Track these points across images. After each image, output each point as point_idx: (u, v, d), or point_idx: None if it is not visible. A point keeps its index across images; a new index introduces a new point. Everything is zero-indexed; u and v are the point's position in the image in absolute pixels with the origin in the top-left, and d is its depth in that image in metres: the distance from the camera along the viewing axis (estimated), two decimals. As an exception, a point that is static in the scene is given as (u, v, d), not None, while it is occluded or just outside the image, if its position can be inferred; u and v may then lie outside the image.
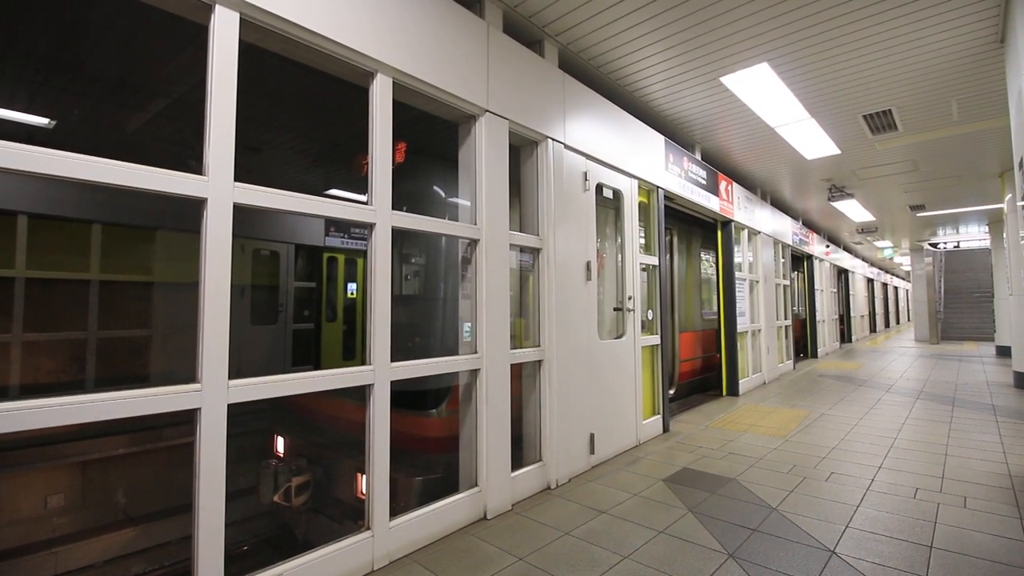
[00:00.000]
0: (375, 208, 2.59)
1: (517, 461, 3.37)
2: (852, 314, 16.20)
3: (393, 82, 2.70)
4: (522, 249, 3.69)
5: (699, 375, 7.22)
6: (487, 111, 3.19)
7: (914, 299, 16.26)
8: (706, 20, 3.67)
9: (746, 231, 7.70)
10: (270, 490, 3.85)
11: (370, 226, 2.59)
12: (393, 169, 2.68)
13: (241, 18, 2.13)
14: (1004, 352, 10.50)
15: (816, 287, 11.86)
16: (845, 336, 15.45)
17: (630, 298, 4.53)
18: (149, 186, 1.88)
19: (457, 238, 3.27)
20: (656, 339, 4.94)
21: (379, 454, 2.52)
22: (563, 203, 3.76)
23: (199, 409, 1.93)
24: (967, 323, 16.90)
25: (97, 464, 5.10)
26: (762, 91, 4.80)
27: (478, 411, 3.10)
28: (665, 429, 4.97)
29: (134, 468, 5.29)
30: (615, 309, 4.59)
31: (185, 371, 2.03)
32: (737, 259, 7.21)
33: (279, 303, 7.72)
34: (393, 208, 2.66)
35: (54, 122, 4.69)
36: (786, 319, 9.54)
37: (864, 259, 19.49)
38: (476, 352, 3.12)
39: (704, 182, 6.13)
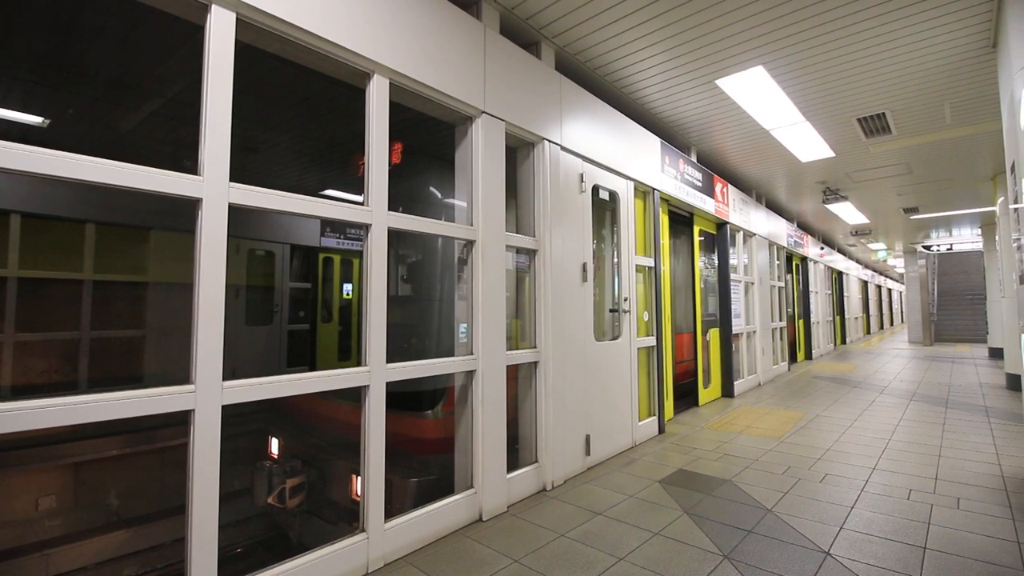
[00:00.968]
0: (371, 209, 2.59)
1: (513, 463, 3.37)
2: (847, 316, 16.28)
3: (390, 83, 2.70)
4: (518, 250, 3.69)
5: (692, 377, 7.23)
6: (484, 112, 3.19)
7: (908, 301, 16.36)
8: (702, 23, 3.68)
9: (741, 233, 7.74)
10: (264, 492, 3.84)
11: (366, 227, 2.59)
12: (389, 170, 2.68)
13: (237, 18, 2.12)
14: (996, 354, 10.57)
15: (811, 289, 11.92)
16: (840, 338, 15.53)
17: (626, 299, 4.53)
18: (144, 186, 1.87)
19: (453, 239, 3.27)
20: (652, 340, 4.95)
21: (374, 456, 2.51)
22: (559, 204, 3.77)
23: (193, 411, 1.91)
24: (960, 325, 17.02)
25: (89, 466, 5.06)
26: (757, 94, 4.82)
27: (474, 412, 3.10)
28: (661, 430, 4.98)
29: (126, 470, 5.25)
30: (611, 310, 4.59)
31: (179, 372, 2.02)
32: (732, 261, 7.23)
33: (274, 304, 7.70)
34: (389, 209, 2.66)
35: (48, 121, 4.66)
36: (781, 321, 9.58)
37: (858, 261, 19.60)
38: (472, 353, 3.12)
39: (700, 184, 6.16)
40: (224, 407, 2.00)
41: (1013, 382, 7.28)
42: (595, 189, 4.29)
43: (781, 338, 9.51)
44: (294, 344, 7.81)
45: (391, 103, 2.71)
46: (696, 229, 6.39)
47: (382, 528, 2.53)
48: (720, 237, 7.05)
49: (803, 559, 2.50)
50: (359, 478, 2.55)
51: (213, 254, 2.00)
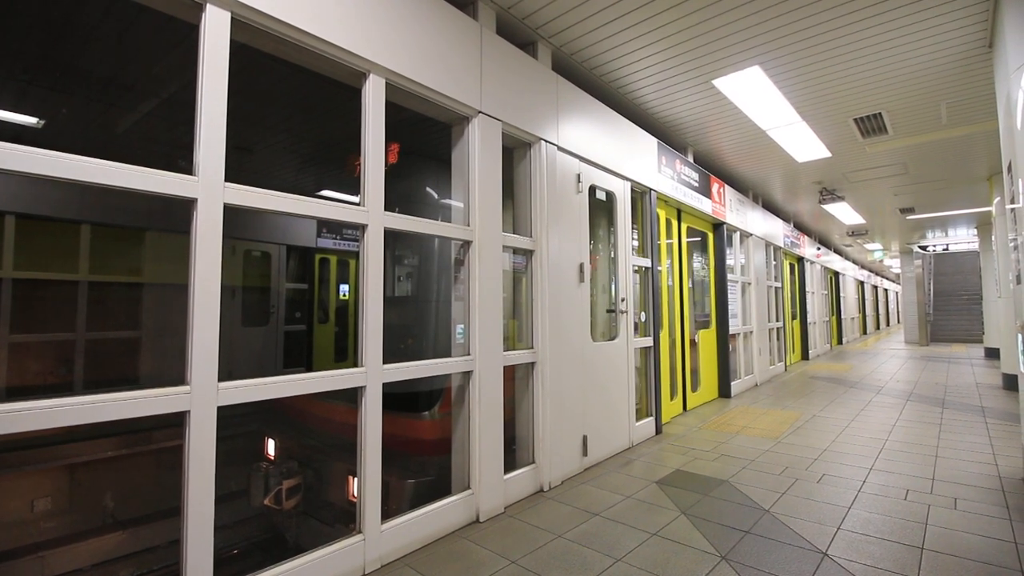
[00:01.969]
0: (367, 209, 2.58)
1: (510, 463, 3.36)
2: (843, 316, 16.32)
3: (386, 83, 2.69)
4: (515, 251, 3.69)
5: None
6: (480, 112, 3.19)
7: (904, 301, 16.41)
8: (698, 23, 3.68)
9: (738, 233, 7.75)
10: (260, 493, 3.82)
11: (362, 227, 2.58)
12: (386, 170, 2.67)
13: (232, 18, 2.11)
14: (993, 354, 10.61)
15: (807, 289, 11.94)
16: (836, 338, 15.56)
17: (623, 300, 4.53)
18: (139, 186, 1.85)
19: (450, 239, 3.27)
20: (649, 341, 4.95)
21: (371, 456, 2.50)
22: (556, 205, 3.76)
23: (188, 412, 1.90)
24: (956, 325, 17.07)
25: (84, 467, 5.03)
26: (754, 94, 4.83)
27: (471, 413, 3.09)
28: (658, 431, 4.98)
29: (122, 471, 5.22)
30: (608, 311, 4.59)
31: (175, 372, 2.00)
32: (729, 261, 7.24)
33: (270, 304, 7.67)
34: (385, 209, 2.65)
35: (42, 121, 4.64)
36: (778, 321, 9.59)
37: (854, 261, 19.65)
38: (469, 354, 3.11)
39: (696, 184, 6.16)
40: (220, 408, 1.99)
41: (1009, 382, 7.30)
42: (592, 189, 4.29)
43: (778, 338, 9.52)
44: (290, 345, 7.79)
45: (387, 103, 2.70)
46: (684, 227, 6.33)
47: (379, 529, 2.52)
48: (717, 237, 7.05)
49: (800, 560, 2.50)
50: (356, 479, 2.54)
51: (208, 255, 1.99)
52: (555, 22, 3.65)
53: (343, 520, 3.62)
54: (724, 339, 6.91)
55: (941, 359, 11.26)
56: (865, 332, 21.39)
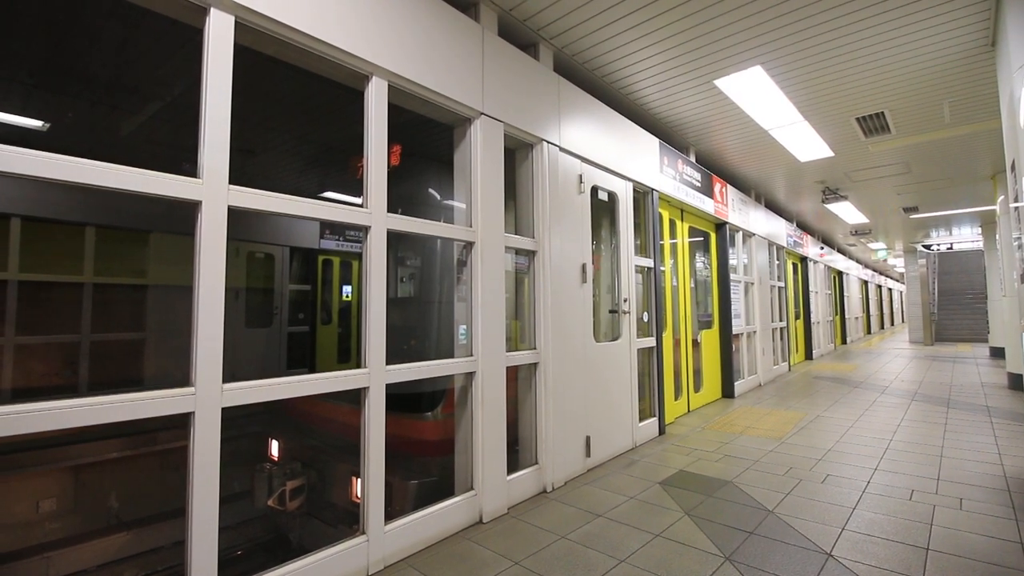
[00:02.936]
0: (370, 211, 2.59)
1: (513, 464, 3.36)
2: (847, 316, 16.27)
3: (388, 85, 2.70)
4: (517, 251, 3.69)
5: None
6: (482, 114, 3.19)
7: (908, 301, 16.34)
8: (700, 23, 3.68)
9: (740, 233, 7.74)
10: (264, 494, 3.83)
11: (365, 229, 2.59)
12: (388, 172, 2.68)
13: (236, 21, 2.12)
14: (998, 353, 10.57)
15: (811, 289, 11.91)
16: (840, 338, 15.52)
17: (625, 300, 4.53)
18: (144, 189, 1.87)
19: (453, 240, 3.27)
20: (652, 341, 4.95)
21: (374, 457, 2.51)
22: (558, 205, 3.77)
23: (193, 413, 1.91)
24: (961, 325, 16.99)
25: (89, 468, 5.05)
26: (755, 94, 4.82)
27: (474, 414, 3.10)
28: (661, 432, 4.97)
29: (126, 472, 5.25)
30: (611, 311, 4.59)
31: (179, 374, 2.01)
32: (732, 261, 7.23)
33: (274, 306, 7.69)
34: (388, 211, 2.66)
35: (48, 125, 4.67)
36: (781, 321, 9.57)
37: (858, 261, 19.59)
38: (472, 355, 3.12)
39: (699, 184, 6.16)
40: (224, 409, 2.00)
41: (1015, 381, 7.27)
42: (594, 190, 4.29)
43: (782, 338, 9.50)
44: (294, 346, 7.81)
45: (390, 105, 2.71)
46: (686, 227, 6.33)
47: (382, 530, 2.53)
48: (719, 237, 7.04)
49: (805, 560, 2.50)
50: (359, 480, 2.55)
51: (213, 257, 2.00)
52: (557, 23, 3.66)
53: (346, 521, 3.63)
54: (727, 339, 6.89)
55: (946, 359, 11.21)
56: (869, 332, 21.32)
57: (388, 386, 2.60)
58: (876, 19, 3.64)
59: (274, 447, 4.43)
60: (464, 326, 3.19)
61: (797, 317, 11.35)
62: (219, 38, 2.07)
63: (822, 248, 13.27)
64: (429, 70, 2.86)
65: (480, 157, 3.17)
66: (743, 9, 3.51)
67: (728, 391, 6.88)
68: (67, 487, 4.96)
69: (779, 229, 9.54)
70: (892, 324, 29.25)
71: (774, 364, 8.83)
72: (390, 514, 2.62)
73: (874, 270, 23.88)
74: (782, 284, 9.76)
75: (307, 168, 6.23)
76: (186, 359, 1.96)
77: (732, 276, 7.09)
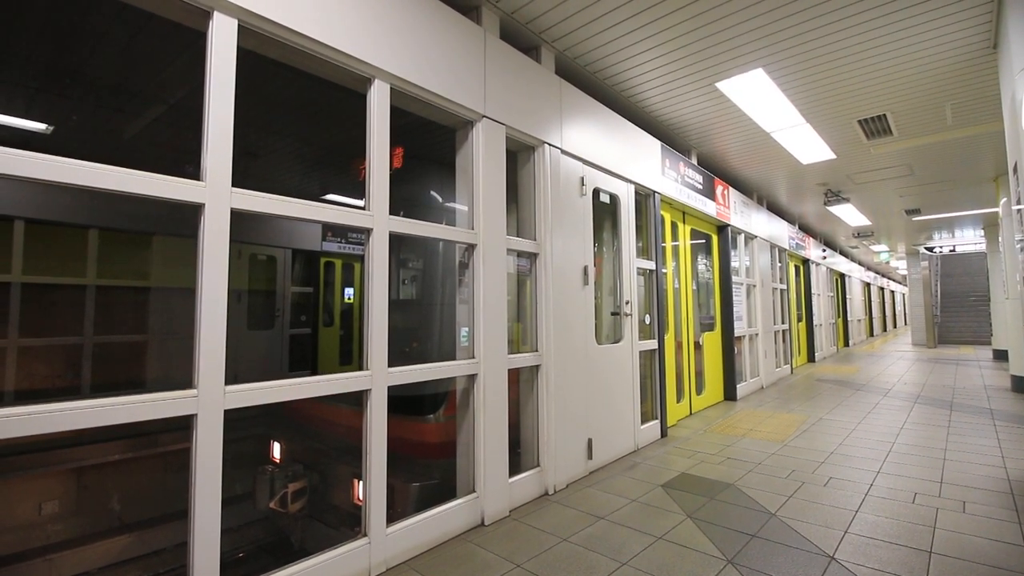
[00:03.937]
0: (372, 213, 2.59)
1: (515, 467, 3.36)
2: (849, 318, 16.23)
3: (391, 88, 2.71)
4: (519, 254, 3.70)
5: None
6: (484, 116, 3.20)
7: (911, 303, 16.30)
8: (701, 26, 3.69)
9: (743, 235, 7.73)
10: (266, 496, 3.83)
11: (367, 231, 2.60)
12: (390, 174, 2.69)
13: (239, 25, 2.13)
14: (1001, 356, 10.53)
15: (813, 291, 11.89)
16: (843, 340, 15.48)
17: (627, 302, 4.53)
18: (147, 191, 1.87)
19: (454, 243, 3.28)
20: (654, 344, 4.94)
21: (376, 460, 2.51)
22: (560, 208, 3.77)
23: (195, 415, 1.92)
24: (964, 327, 16.93)
25: (91, 471, 5.06)
26: (757, 96, 4.83)
27: (475, 416, 3.09)
28: (663, 434, 4.97)
29: (128, 474, 5.25)
30: (612, 313, 4.59)
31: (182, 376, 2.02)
32: (734, 264, 7.22)
33: (276, 308, 7.71)
34: (390, 213, 2.67)
35: (51, 128, 4.69)
36: (784, 323, 9.55)
37: (860, 263, 19.56)
38: (473, 357, 3.12)
39: (700, 187, 6.16)
40: (226, 412, 2.00)
41: (1018, 384, 7.24)
42: (596, 192, 4.30)
43: (784, 341, 9.48)
44: (296, 348, 7.82)
45: (392, 108, 2.72)
46: (688, 229, 6.32)
47: (384, 532, 2.53)
48: (721, 239, 7.04)
49: (807, 563, 2.49)
50: (361, 482, 2.54)
51: (216, 259, 2.00)
52: (559, 26, 3.67)
53: (348, 523, 3.62)
54: (729, 342, 6.88)
55: (949, 361, 11.18)
56: (872, 334, 21.26)
57: (390, 388, 2.60)
58: (878, 21, 3.65)
59: (275, 449, 4.43)
60: (466, 328, 3.19)
61: (799, 319, 11.32)
62: (222, 41, 2.08)
63: (824, 250, 13.26)
64: (431, 73, 2.87)
65: (482, 160, 3.18)
66: (745, 12, 3.52)
67: (730, 394, 6.87)
68: (70, 489, 4.96)
69: (781, 231, 9.53)
70: (895, 326, 29.17)
71: (776, 367, 8.81)
72: (392, 516, 2.61)
73: (876, 272, 23.83)
74: (784, 286, 9.75)
75: (309, 171, 6.24)
76: (188, 361, 1.97)
77: (734, 278, 7.09)
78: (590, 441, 3.93)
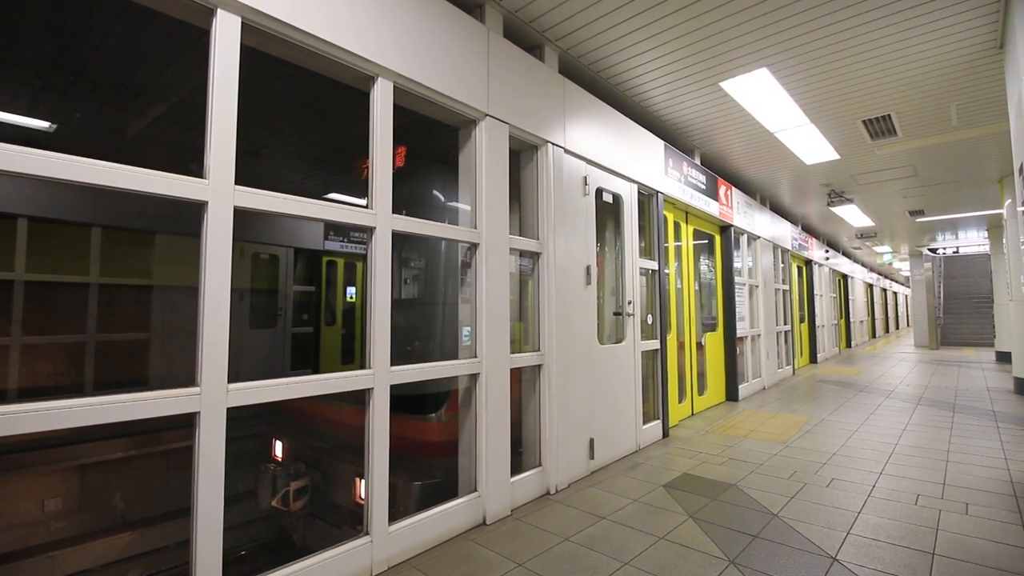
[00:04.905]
0: (375, 212, 2.59)
1: (516, 466, 3.36)
2: (852, 319, 16.20)
3: (394, 86, 2.71)
4: (522, 253, 3.69)
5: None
6: (487, 115, 3.20)
7: (913, 304, 16.26)
8: (705, 26, 3.68)
9: (745, 236, 7.71)
10: (268, 495, 3.84)
11: (370, 230, 2.59)
12: (393, 173, 2.69)
13: (243, 22, 2.13)
14: (1004, 358, 10.49)
15: (815, 292, 11.87)
16: (845, 341, 15.44)
17: (630, 303, 4.52)
18: (150, 189, 1.87)
19: (457, 242, 3.27)
20: (656, 344, 4.93)
21: (378, 458, 2.51)
22: (563, 207, 3.77)
23: (198, 413, 1.92)
24: (967, 329, 16.88)
25: (94, 468, 5.07)
26: (761, 96, 4.81)
27: (478, 416, 3.09)
28: (665, 434, 4.96)
29: (131, 472, 5.26)
30: (615, 313, 4.58)
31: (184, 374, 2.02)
32: (736, 264, 7.21)
33: (278, 307, 7.72)
34: (393, 212, 2.66)
35: (55, 126, 4.70)
36: (786, 324, 9.53)
37: (863, 264, 19.51)
38: (476, 356, 3.12)
39: (704, 187, 6.14)
40: (229, 410, 2.00)
41: (1021, 386, 7.22)
42: (599, 192, 4.29)
43: (786, 341, 9.46)
44: (298, 347, 7.83)
45: (395, 106, 2.72)
46: (691, 230, 6.31)
47: (386, 531, 2.53)
48: (724, 240, 7.02)
49: (810, 564, 2.48)
50: (363, 481, 2.55)
51: (218, 257, 2.00)
52: (563, 25, 3.66)
53: (350, 522, 3.63)
54: (731, 342, 6.87)
55: (952, 363, 11.14)
56: (874, 335, 21.21)
57: (392, 387, 2.60)
58: (883, 21, 3.63)
59: (277, 448, 4.44)
60: (468, 328, 3.19)
61: (802, 320, 11.29)
62: (225, 39, 2.08)
63: (827, 251, 13.22)
64: (434, 71, 2.87)
65: (485, 159, 3.18)
66: (749, 11, 3.51)
67: (732, 394, 6.86)
68: (72, 486, 4.98)
69: (784, 232, 9.51)
70: (897, 328, 29.10)
71: (778, 367, 8.80)
72: (394, 515, 2.61)
73: (879, 273, 23.77)
74: (787, 287, 9.73)
75: (312, 169, 6.25)
76: (191, 359, 1.97)
77: (736, 279, 7.07)
78: (592, 441, 3.92)
